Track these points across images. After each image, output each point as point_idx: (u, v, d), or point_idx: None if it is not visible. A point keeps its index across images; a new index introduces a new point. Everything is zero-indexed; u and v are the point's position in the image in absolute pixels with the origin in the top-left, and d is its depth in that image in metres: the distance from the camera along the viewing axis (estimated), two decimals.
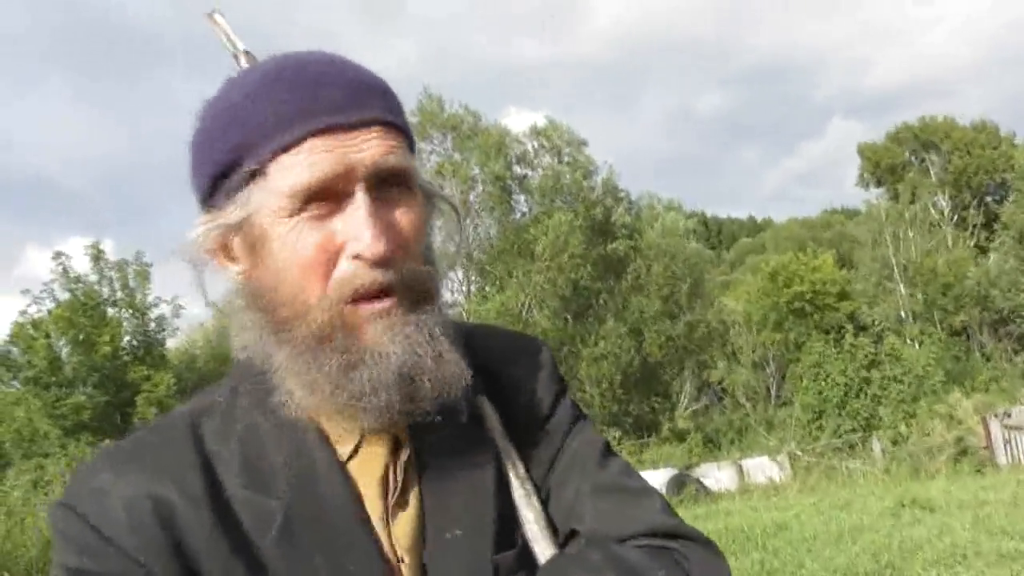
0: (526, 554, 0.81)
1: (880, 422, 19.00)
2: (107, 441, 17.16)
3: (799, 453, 17.57)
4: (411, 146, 0.79)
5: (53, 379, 20.33)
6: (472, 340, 0.85)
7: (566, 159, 25.97)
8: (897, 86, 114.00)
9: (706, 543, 0.83)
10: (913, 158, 40.82)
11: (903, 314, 30.84)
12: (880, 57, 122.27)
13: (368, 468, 0.79)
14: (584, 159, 26.01)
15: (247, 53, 0.90)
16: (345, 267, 0.71)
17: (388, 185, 0.74)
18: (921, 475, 14.95)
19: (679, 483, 14.70)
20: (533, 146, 26.18)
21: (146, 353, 21.95)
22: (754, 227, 73.98)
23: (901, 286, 31.26)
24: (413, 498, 0.80)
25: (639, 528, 0.82)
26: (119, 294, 22.03)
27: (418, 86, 25.84)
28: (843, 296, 32.87)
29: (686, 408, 26.11)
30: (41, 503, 9.41)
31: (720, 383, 30.88)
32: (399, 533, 0.78)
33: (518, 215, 25.89)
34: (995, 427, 16.39)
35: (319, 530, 0.75)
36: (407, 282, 0.73)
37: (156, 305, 22.56)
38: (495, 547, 0.79)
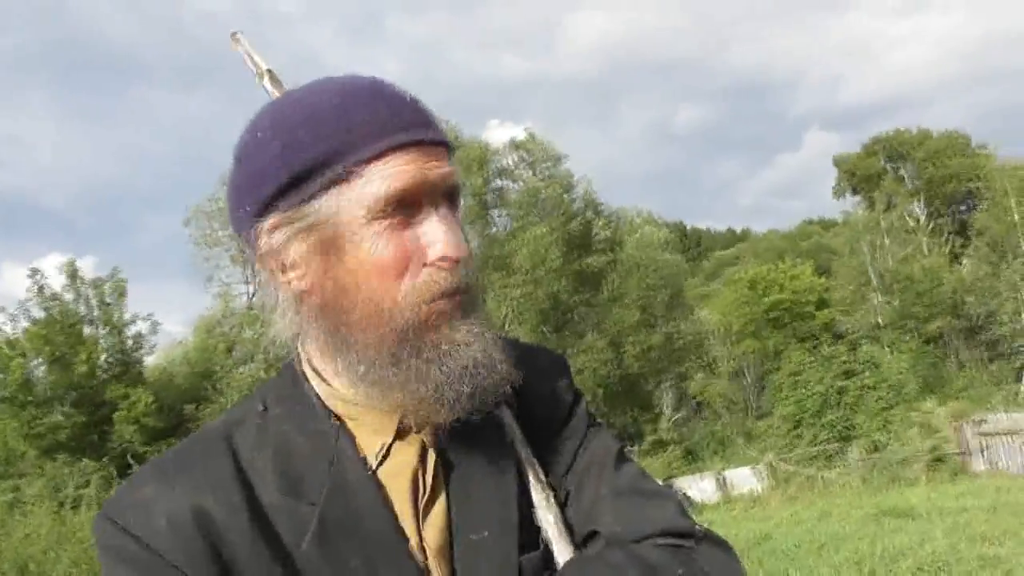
0: (549, 555, 0.84)
1: (856, 430, 19.11)
2: (85, 461, 16.96)
3: (778, 464, 17.63)
4: None
5: (29, 399, 19.96)
6: None
7: (545, 173, 26.03)
8: (870, 101, 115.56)
9: (721, 543, 0.86)
10: (888, 167, 41.36)
11: (879, 322, 31.13)
12: (853, 73, 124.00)
13: (398, 473, 0.82)
14: (563, 173, 26.09)
15: (270, 72, 0.94)
16: (425, 271, 0.77)
17: (448, 201, 0.80)
18: (900, 483, 15.08)
19: None
20: (513, 160, 26.23)
21: (123, 371, 21.63)
22: (732, 239, 74.47)
23: (877, 294, 31.58)
24: (440, 502, 0.82)
25: (657, 528, 0.85)
26: (96, 312, 21.73)
27: None
28: (821, 305, 33.13)
29: (668, 420, 26.13)
30: (17, 525, 9.24)
31: (699, 395, 30.97)
32: (429, 536, 0.81)
33: (496, 229, 25.89)
34: (970, 434, 16.58)
35: (353, 534, 0.78)
36: (470, 286, 0.79)
37: (133, 322, 22.29)
38: (520, 549, 0.83)
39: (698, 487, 16.24)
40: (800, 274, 33.04)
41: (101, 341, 21.76)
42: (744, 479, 16.91)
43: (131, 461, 12.93)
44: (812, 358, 21.21)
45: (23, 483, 15.53)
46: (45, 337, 20.06)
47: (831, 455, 18.17)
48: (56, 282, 21.20)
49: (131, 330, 22.23)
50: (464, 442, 0.84)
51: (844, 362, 20.64)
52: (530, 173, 26.06)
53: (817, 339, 23.15)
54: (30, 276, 20.69)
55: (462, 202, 0.85)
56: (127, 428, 19.68)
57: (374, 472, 0.81)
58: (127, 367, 21.85)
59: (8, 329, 20.59)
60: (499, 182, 26.05)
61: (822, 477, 16.50)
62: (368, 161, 0.76)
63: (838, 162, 43.16)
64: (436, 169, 0.78)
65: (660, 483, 0.93)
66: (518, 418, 0.90)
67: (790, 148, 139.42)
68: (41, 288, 20.74)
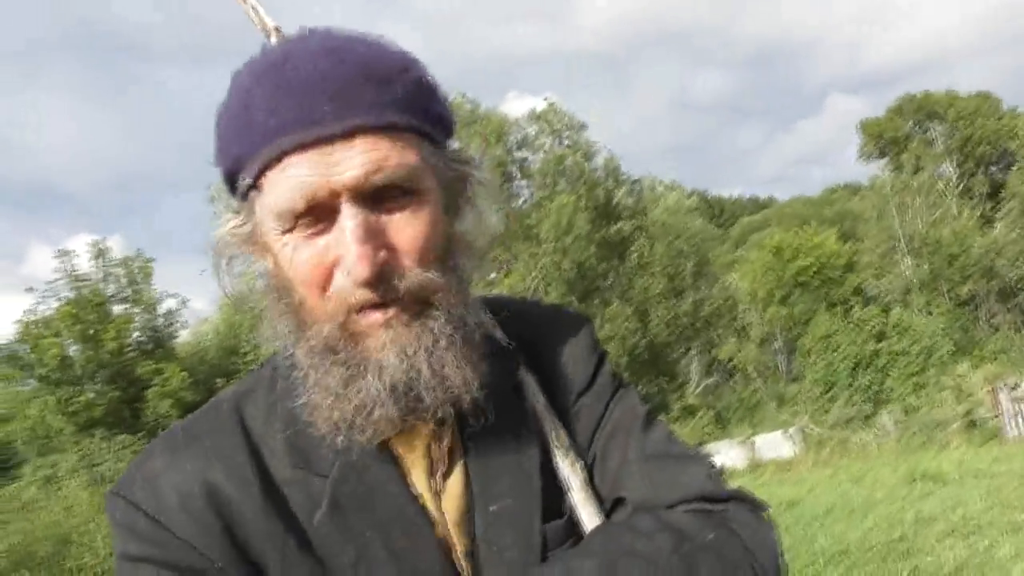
0: (573, 523, 0.82)
1: (889, 394, 18.96)
2: (120, 436, 17.29)
3: (810, 427, 17.55)
4: (437, 133, 0.76)
5: (63, 376, 20.36)
6: (512, 314, 0.89)
7: (566, 142, 25.82)
8: (893, 64, 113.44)
9: (754, 506, 0.83)
10: (916, 129, 40.49)
11: (909, 286, 30.66)
12: (875, 36, 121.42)
13: (413, 444, 0.80)
14: (585, 141, 25.86)
15: (277, 30, 0.88)
16: (341, 281, 0.71)
17: (385, 193, 0.71)
18: (932, 447, 14.93)
19: None
20: (533, 130, 26.02)
21: (155, 348, 21.98)
22: (756, 206, 73.53)
23: (907, 258, 31.07)
24: (459, 472, 0.81)
25: (687, 494, 0.82)
26: (126, 291, 22.06)
27: None
28: (849, 268, 32.70)
29: (696, 387, 26.07)
30: (55, 500, 9.48)
31: (729, 361, 30.80)
32: (447, 507, 0.79)
33: (520, 200, 25.77)
34: (1004, 398, 16.34)
35: (367, 506, 0.76)
36: (407, 292, 0.72)
37: (163, 300, 22.62)
38: (543, 517, 0.81)
39: (727, 453, 16.22)
40: (824, 241, 32.60)
41: (136, 319, 22.11)
42: (774, 445, 16.85)
43: None
44: (845, 321, 21.06)
45: (60, 459, 15.90)
46: (76, 316, 20.39)
47: (866, 416, 18.06)
48: (84, 262, 21.55)
49: (161, 308, 22.59)
50: (482, 410, 0.80)
51: (875, 325, 20.46)
52: (551, 143, 25.85)
53: (847, 303, 22.93)
54: (57, 257, 20.98)
55: (431, 186, 0.74)
56: (161, 403, 20.04)
57: (388, 444, 0.79)
58: (159, 344, 22.20)
59: (42, 308, 20.95)
60: (520, 153, 25.88)
61: (859, 439, 16.38)
62: (268, 168, 0.70)
63: (863, 125, 42.27)
64: (347, 169, 0.68)
65: (688, 445, 0.89)
66: (540, 382, 0.87)
67: (811, 114, 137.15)
68: (71, 268, 21.05)
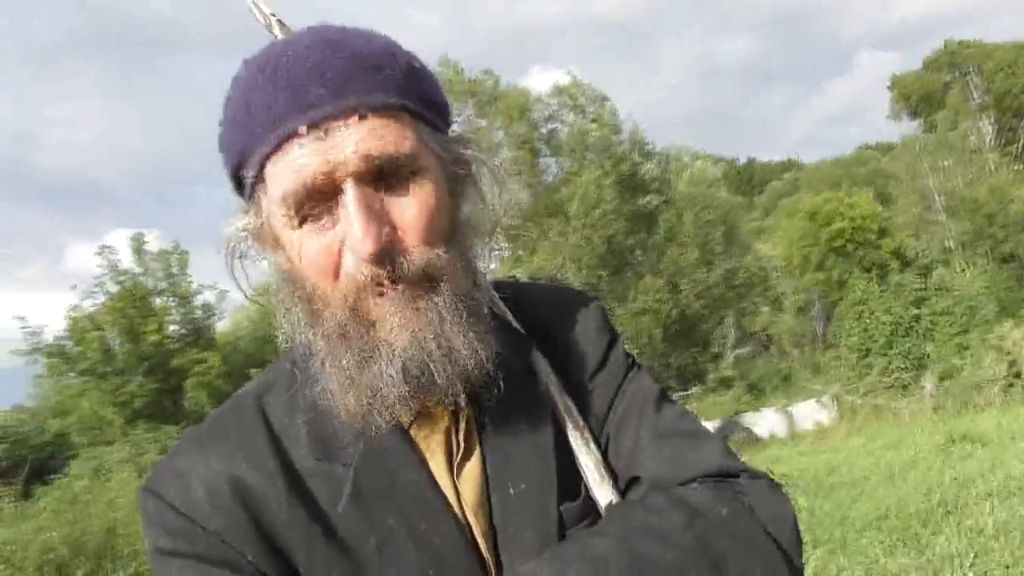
0: (589, 503, 0.84)
1: (929, 359, 18.63)
2: (163, 427, 17.65)
3: (846, 395, 17.35)
4: (433, 116, 0.78)
5: (108, 369, 20.80)
6: (522, 297, 0.92)
7: (591, 116, 25.59)
8: (922, 16, 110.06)
9: (766, 480, 0.84)
10: (953, 77, 39.28)
11: (949, 244, 29.97)
12: None
13: (430, 431, 0.82)
14: (609, 115, 25.61)
15: (280, 22, 0.89)
16: (349, 262, 0.73)
17: (386, 173, 0.72)
18: (972, 409, 14.67)
19: (725, 432, 14.71)
20: (555, 104, 25.80)
21: (195, 339, 22.31)
22: (786, 170, 72.21)
23: (943, 216, 30.34)
24: (476, 457, 0.82)
25: (700, 470, 0.83)
26: (163, 283, 22.41)
27: (439, 56, 25.47)
28: (884, 233, 32.09)
29: (730, 357, 25.88)
30: (102, 491, 9.73)
31: (764, 330, 30.48)
32: (465, 492, 0.81)
33: (548, 177, 25.64)
34: None
35: (389, 494, 0.78)
36: (414, 270, 0.73)
37: (200, 292, 22.93)
38: (559, 498, 0.82)
39: (762, 423, 16.15)
40: (858, 202, 31.98)
41: (172, 312, 22.46)
42: (809, 413, 16.73)
43: None
44: (882, 286, 20.71)
45: (111, 450, 16.30)
46: (121, 310, 20.80)
47: (906, 384, 17.77)
48: (124, 257, 21.92)
49: (199, 299, 22.90)
50: (497, 394, 0.81)
51: (916, 289, 20.09)
52: (574, 117, 25.63)
53: (884, 267, 22.53)
54: (99, 253, 21.35)
55: (431, 165, 0.76)
56: (200, 393, 20.41)
57: (406, 431, 0.81)
58: (199, 334, 22.53)
59: (85, 304, 21.38)
60: (545, 129, 25.71)
61: (894, 407, 16.17)
62: (268, 158, 0.72)
63: (894, 82, 41.18)
64: (347, 150, 0.70)
65: (704, 422, 0.91)
66: (553, 364, 0.88)
67: (840, 74, 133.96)
68: (115, 265, 21.44)
